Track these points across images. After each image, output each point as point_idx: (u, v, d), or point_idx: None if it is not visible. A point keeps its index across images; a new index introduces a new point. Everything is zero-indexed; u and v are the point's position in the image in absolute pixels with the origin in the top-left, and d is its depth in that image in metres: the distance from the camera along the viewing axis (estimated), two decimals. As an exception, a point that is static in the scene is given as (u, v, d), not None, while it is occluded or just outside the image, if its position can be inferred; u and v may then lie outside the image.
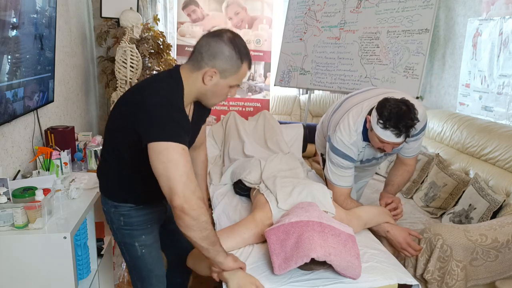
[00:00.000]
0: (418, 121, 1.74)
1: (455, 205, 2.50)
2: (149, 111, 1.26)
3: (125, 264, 2.71)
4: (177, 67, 1.38)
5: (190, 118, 1.44)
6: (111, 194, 1.50)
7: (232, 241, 1.66)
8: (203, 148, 1.78)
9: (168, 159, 1.21)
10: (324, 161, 2.28)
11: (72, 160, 2.17)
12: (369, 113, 1.85)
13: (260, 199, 1.85)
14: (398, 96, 1.82)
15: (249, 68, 1.38)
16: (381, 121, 1.72)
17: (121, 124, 1.36)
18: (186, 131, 1.31)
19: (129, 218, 1.50)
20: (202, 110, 1.52)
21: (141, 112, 1.27)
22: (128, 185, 1.47)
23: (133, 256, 1.55)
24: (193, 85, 1.34)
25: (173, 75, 1.36)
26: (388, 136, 1.73)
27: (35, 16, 2.01)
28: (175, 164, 1.21)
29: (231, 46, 1.31)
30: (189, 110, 1.42)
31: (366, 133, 1.88)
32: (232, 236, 1.67)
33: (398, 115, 1.69)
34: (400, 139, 1.74)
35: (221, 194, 2.22)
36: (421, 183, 2.87)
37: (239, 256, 1.63)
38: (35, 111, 2.21)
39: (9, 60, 1.74)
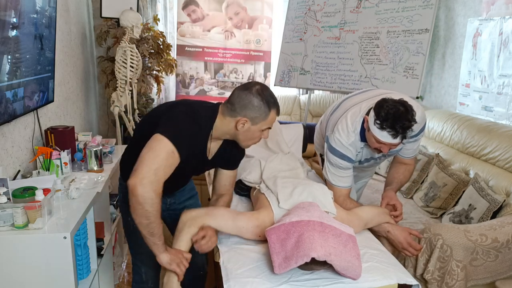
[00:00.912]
0: (416, 122, 1.73)
1: (455, 205, 2.50)
2: (174, 115, 1.49)
3: (125, 264, 2.71)
4: (220, 103, 1.59)
5: (212, 150, 1.65)
6: (121, 167, 1.77)
7: (229, 223, 1.67)
8: (228, 195, 1.83)
9: (154, 148, 1.39)
10: (323, 161, 2.28)
11: (72, 160, 2.16)
12: (367, 114, 1.84)
13: (262, 199, 1.85)
14: (396, 97, 1.82)
15: (278, 113, 1.57)
16: (378, 121, 1.72)
17: (153, 118, 1.58)
18: (191, 146, 1.49)
19: (126, 194, 1.59)
20: (230, 152, 1.69)
21: (167, 114, 1.52)
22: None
23: (127, 231, 1.79)
24: (225, 126, 1.56)
25: (214, 107, 1.58)
26: (384, 136, 1.73)
27: (35, 16, 2.00)
28: (156, 154, 1.38)
29: (259, 97, 1.50)
30: (217, 144, 1.65)
31: (364, 134, 1.87)
32: (231, 220, 1.67)
33: (395, 116, 1.69)
34: (397, 140, 1.73)
35: (221, 194, 2.21)
36: (421, 183, 2.87)
37: (239, 254, 1.64)
38: (35, 111, 2.21)
39: (9, 60, 1.74)
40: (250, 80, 4.41)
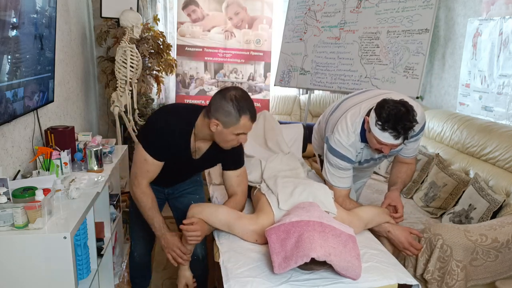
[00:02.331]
0: (417, 123, 1.73)
1: (455, 205, 2.50)
2: (152, 123, 1.74)
3: (125, 264, 2.71)
4: (203, 107, 1.72)
5: (200, 150, 1.77)
6: None
7: (225, 226, 1.74)
8: (237, 195, 1.89)
9: (134, 158, 1.76)
10: (322, 162, 2.27)
11: (72, 160, 2.16)
12: (367, 114, 1.84)
13: (262, 200, 1.85)
14: (396, 97, 1.81)
15: (252, 120, 1.63)
16: (379, 123, 1.71)
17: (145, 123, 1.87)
18: (168, 149, 1.70)
19: None
20: (221, 152, 1.76)
21: (148, 121, 1.77)
22: None
23: (130, 211, 2.08)
24: (204, 128, 1.67)
25: (197, 110, 1.71)
26: (386, 137, 1.72)
27: (35, 16, 2.00)
28: (135, 161, 1.75)
29: (231, 103, 1.58)
30: (206, 144, 1.77)
31: (364, 134, 1.87)
32: (230, 222, 1.73)
33: (397, 117, 1.68)
34: (399, 141, 1.73)
35: (221, 194, 2.22)
36: (421, 183, 2.87)
37: (238, 254, 1.64)
38: (35, 111, 2.21)
39: (9, 60, 1.74)
40: (248, 78, 4.41)
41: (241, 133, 1.64)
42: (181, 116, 1.72)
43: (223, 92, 1.62)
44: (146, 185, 1.76)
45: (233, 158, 1.84)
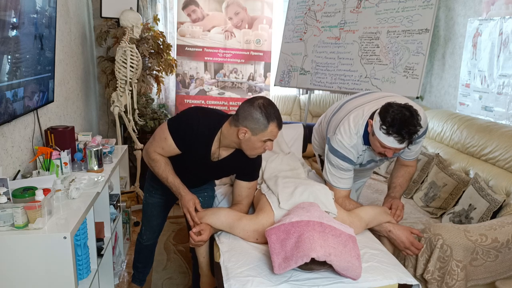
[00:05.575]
0: (421, 127, 1.73)
1: (455, 205, 2.50)
2: (184, 112, 1.80)
3: (125, 264, 2.71)
4: (229, 116, 1.78)
5: (221, 156, 1.81)
6: None
7: (226, 227, 1.77)
8: (242, 205, 1.94)
9: (158, 131, 1.82)
10: (322, 162, 2.27)
11: (72, 160, 2.16)
12: (371, 117, 1.84)
13: (262, 201, 1.86)
14: (400, 100, 1.80)
15: (278, 127, 1.68)
16: (384, 127, 1.71)
17: None
18: (189, 140, 1.75)
19: (150, 176, 2.05)
20: (240, 162, 1.82)
21: (181, 114, 1.82)
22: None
23: (144, 197, 2.15)
24: (230, 135, 1.71)
25: (224, 117, 1.77)
26: (390, 142, 1.72)
27: (35, 16, 2.00)
28: (155, 135, 1.82)
29: (259, 110, 1.63)
30: (227, 151, 1.81)
31: (367, 137, 1.86)
32: (230, 223, 1.76)
33: (401, 121, 1.67)
34: (403, 145, 1.72)
35: (221, 194, 2.22)
36: (421, 183, 2.87)
37: (239, 254, 1.64)
38: (35, 111, 2.21)
39: (9, 60, 1.74)
40: (248, 78, 4.41)
41: (268, 140, 1.68)
42: (210, 122, 1.76)
43: (251, 101, 1.67)
44: (155, 155, 1.83)
45: (249, 170, 1.88)
